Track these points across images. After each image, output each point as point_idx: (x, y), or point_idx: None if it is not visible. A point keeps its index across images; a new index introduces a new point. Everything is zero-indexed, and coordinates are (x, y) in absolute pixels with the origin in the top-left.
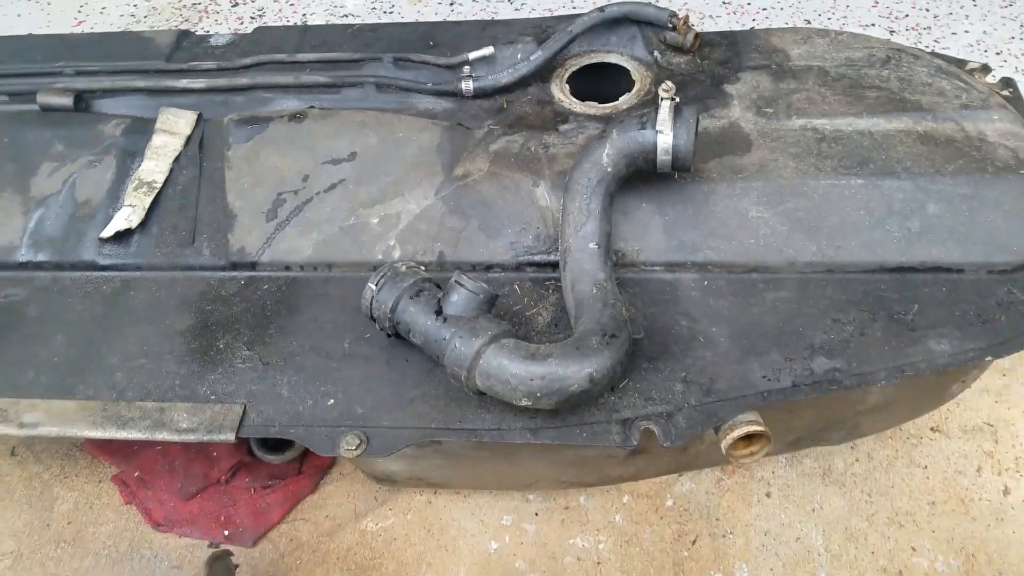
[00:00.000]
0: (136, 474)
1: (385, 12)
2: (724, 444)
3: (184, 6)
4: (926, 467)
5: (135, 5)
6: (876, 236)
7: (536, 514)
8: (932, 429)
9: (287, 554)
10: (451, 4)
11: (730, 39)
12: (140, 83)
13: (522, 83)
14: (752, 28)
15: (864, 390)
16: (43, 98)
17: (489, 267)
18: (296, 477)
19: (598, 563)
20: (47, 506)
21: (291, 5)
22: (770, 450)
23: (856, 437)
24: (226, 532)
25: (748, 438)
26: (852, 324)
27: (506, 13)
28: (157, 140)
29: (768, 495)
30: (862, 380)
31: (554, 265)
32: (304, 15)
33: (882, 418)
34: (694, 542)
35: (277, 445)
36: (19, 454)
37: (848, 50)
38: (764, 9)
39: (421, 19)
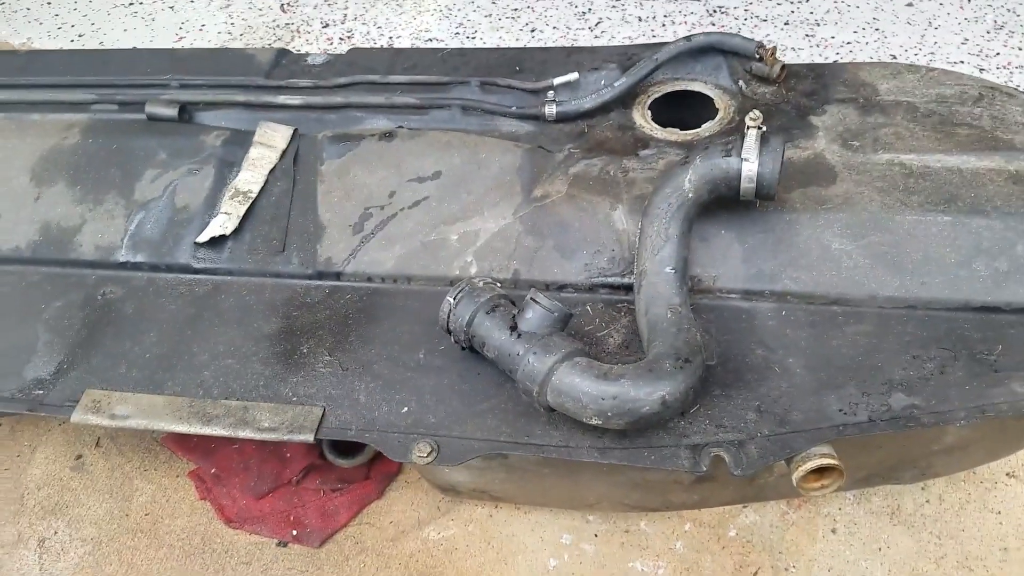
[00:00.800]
0: (212, 471)
1: (468, 37)
2: (796, 476)
3: (277, 26)
4: (999, 512)
5: (232, 24)
6: (962, 274)
7: (596, 535)
8: (1008, 475)
9: (351, 557)
10: (532, 31)
11: (817, 71)
12: (240, 97)
13: (604, 109)
14: (838, 61)
15: (941, 429)
16: (151, 108)
17: (562, 287)
18: (364, 482)
19: None
20: (127, 497)
21: (378, 28)
22: (841, 485)
23: (929, 477)
24: (294, 532)
25: (820, 471)
26: (933, 362)
27: (585, 40)
28: (254, 152)
29: (834, 531)
30: (940, 419)
31: (627, 288)
32: (391, 38)
33: (957, 459)
34: (755, 574)
35: (347, 450)
36: (103, 446)
37: (939, 86)
38: (848, 43)
39: (502, 44)
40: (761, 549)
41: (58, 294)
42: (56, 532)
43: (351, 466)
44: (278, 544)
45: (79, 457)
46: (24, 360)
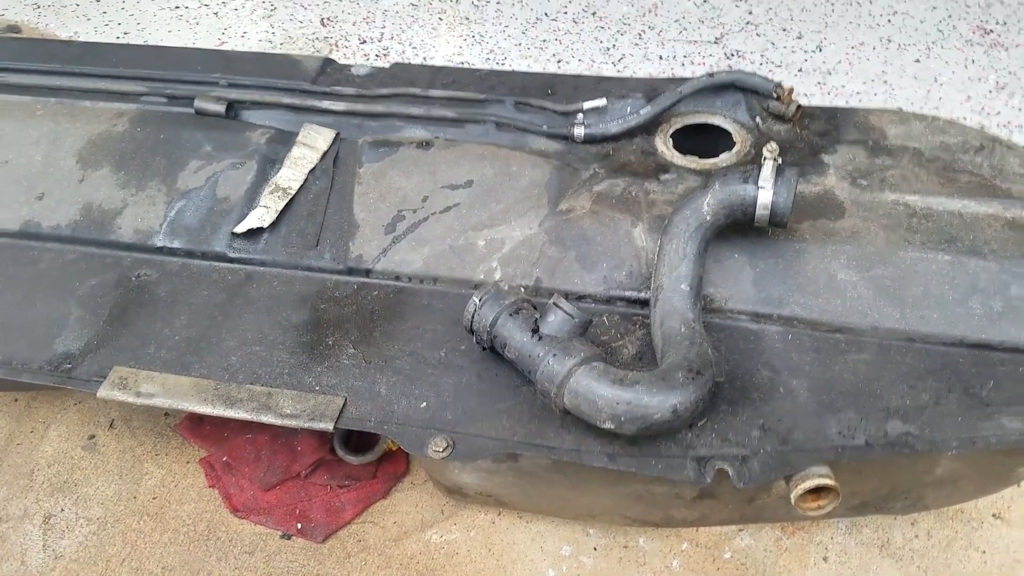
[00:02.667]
0: (224, 459)
1: (498, 63)
2: (795, 494)
3: (316, 38)
4: (984, 552)
5: (273, 33)
6: (958, 311)
7: (595, 548)
8: (994, 515)
9: (353, 554)
10: (558, 61)
11: (830, 114)
12: (286, 100)
13: (629, 134)
14: (850, 106)
15: (933, 459)
16: (200, 103)
17: (581, 297)
18: (370, 481)
19: None
20: (136, 479)
21: (413, 48)
22: (837, 505)
23: (919, 510)
24: (299, 525)
25: (817, 492)
26: (928, 392)
27: (609, 73)
28: (296, 151)
29: (825, 559)
30: (934, 447)
31: (644, 302)
32: (425, 58)
33: (947, 493)
34: None
35: (357, 447)
36: (117, 428)
37: (943, 135)
38: (857, 93)
39: (530, 71)
40: (755, 572)
41: (93, 273)
42: (63, 509)
43: (360, 463)
44: (282, 536)
45: (92, 437)
46: (55, 334)
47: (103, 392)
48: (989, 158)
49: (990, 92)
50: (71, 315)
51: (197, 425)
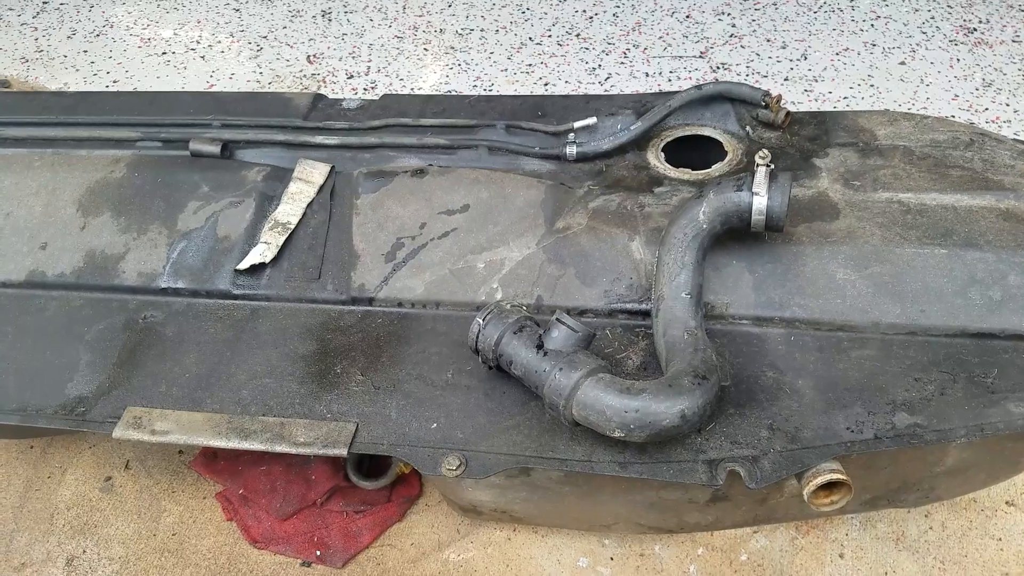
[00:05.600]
0: (240, 492)
1: (485, 89)
2: (807, 491)
3: (304, 75)
4: (1000, 539)
5: (260, 73)
6: (958, 303)
7: (611, 559)
8: (1008, 503)
9: None
10: (545, 85)
11: (819, 118)
12: (280, 137)
13: (621, 150)
14: (839, 109)
15: (942, 450)
16: (194, 145)
17: (583, 312)
18: (386, 504)
19: None
20: (154, 517)
21: (400, 80)
22: (850, 499)
23: (932, 501)
24: (318, 552)
25: (829, 487)
26: (933, 384)
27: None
28: (293, 187)
29: (841, 556)
30: (942, 436)
31: (645, 313)
32: (412, 89)
33: (958, 482)
34: None
35: (371, 472)
36: (133, 468)
37: (933, 132)
38: (844, 98)
39: (518, 95)
40: (772, 573)
41: (100, 317)
42: (84, 551)
43: (374, 488)
44: (302, 564)
45: (108, 479)
46: (67, 379)
47: (119, 432)
48: (979, 152)
49: (977, 90)
50: (81, 360)
51: (211, 461)
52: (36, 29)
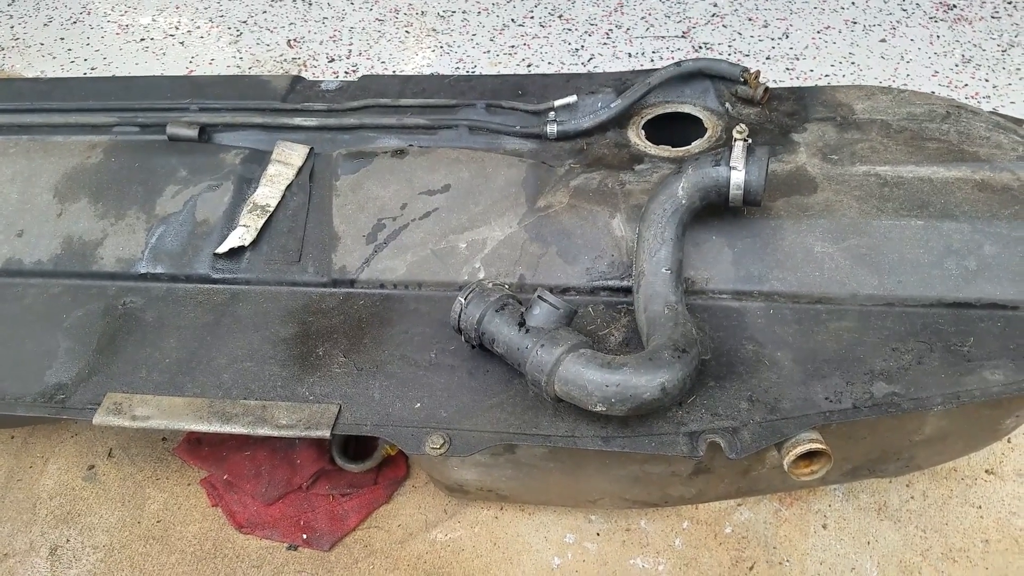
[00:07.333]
0: (224, 478)
1: (467, 71)
2: (786, 461)
3: (284, 60)
4: (980, 507)
5: (240, 58)
6: (934, 273)
7: (598, 534)
8: (987, 471)
9: (360, 559)
10: (528, 66)
11: (797, 94)
12: (258, 119)
13: (601, 128)
14: (818, 84)
15: (920, 418)
16: (172, 130)
17: (565, 290)
18: (372, 487)
19: None
20: (139, 505)
21: (382, 63)
22: (830, 469)
23: (912, 470)
24: (304, 536)
25: (809, 457)
26: (910, 353)
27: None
28: (272, 169)
29: (824, 527)
30: (919, 404)
31: (626, 290)
32: (394, 72)
33: (937, 451)
34: (751, 568)
35: (356, 455)
36: (115, 456)
37: (910, 106)
38: (826, 76)
39: (499, 74)
40: (756, 544)
41: (79, 304)
42: (68, 540)
43: (360, 471)
44: (288, 548)
45: (91, 467)
46: (46, 367)
47: (99, 419)
48: (955, 124)
49: (956, 66)
50: (60, 347)
51: (195, 447)
52: (12, 17)
